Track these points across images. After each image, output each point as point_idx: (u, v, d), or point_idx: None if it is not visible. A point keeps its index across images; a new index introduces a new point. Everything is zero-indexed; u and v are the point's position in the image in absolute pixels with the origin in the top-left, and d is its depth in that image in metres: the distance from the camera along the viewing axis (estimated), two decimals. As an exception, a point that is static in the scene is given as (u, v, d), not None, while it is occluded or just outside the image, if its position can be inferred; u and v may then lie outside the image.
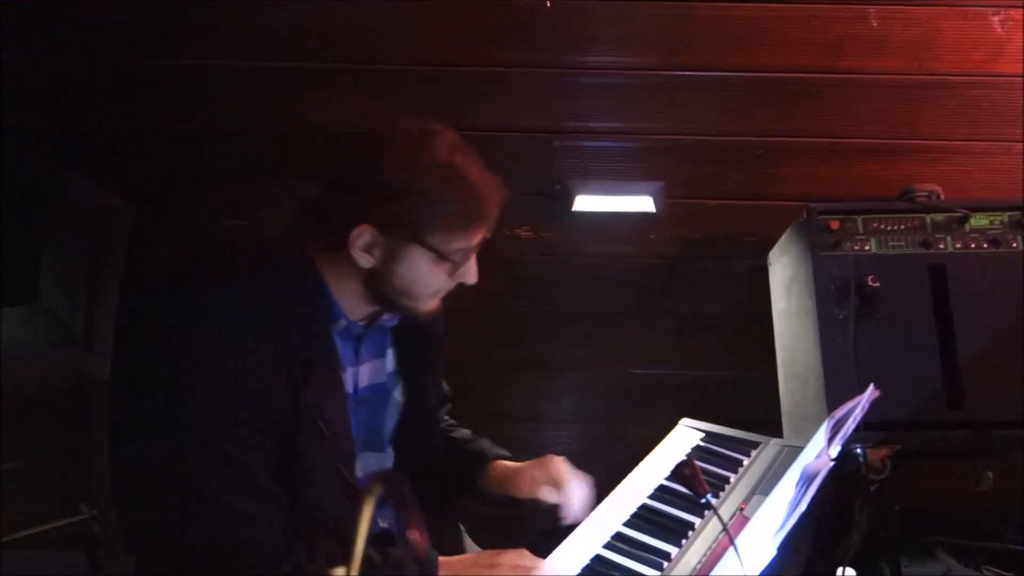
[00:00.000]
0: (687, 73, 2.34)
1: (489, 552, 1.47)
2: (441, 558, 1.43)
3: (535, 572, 1.40)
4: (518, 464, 1.68)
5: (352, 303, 1.45)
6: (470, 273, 1.47)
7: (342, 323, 1.45)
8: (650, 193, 2.41)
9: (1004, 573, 2.34)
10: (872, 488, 1.98)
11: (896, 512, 2.08)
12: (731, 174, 2.42)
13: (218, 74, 2.36)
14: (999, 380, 1.93)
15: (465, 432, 1.82)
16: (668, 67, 2.34)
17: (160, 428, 1.30)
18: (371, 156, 1.36)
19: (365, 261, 1.37)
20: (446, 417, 1.86)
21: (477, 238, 1.42)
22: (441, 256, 1.39)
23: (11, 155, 2.42)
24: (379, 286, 1.41)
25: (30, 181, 2.43)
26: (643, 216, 2.44)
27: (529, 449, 2.61)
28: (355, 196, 1.36)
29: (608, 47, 2.33)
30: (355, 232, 1.34)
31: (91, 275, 2.17)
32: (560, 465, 1.63)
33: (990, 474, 2.21)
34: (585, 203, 2.42)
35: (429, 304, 1.47)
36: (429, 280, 1.42)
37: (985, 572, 2.35)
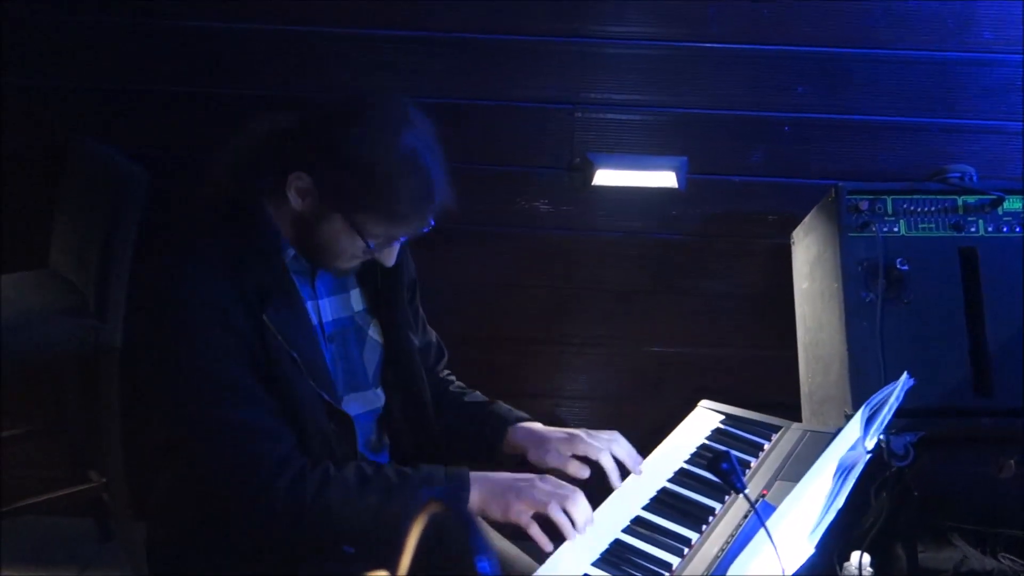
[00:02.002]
0: (714, 45, 2.29)
1: (528, 474, 1.49)
2: (474, 473, 1.46)
3: (575, 496, 1.43)
4: (543, 431, 1.67)
5: (295, 240, 1.50)
6: (387, 257, 1.51)
7: (291, 253, 1.50)
8: (673, 168, 2.36)
9: (1020, 561, 2.31)
10: (891, 473, 1.96)
11: (915, 497, 2.06)
12: (757, 150, 2.37)
13: (235, 38, 2.32)
14: (1029, 368, 1.89)
15: (478, 395, 1.82)
16: (694, 39, 2.29)
17: (157, 368, 1.42)
18: (342, 118, 1.41)
19: (296, 204, 1.43)
20: (451, 378, 1.86)
21: (400, 233, 1.47)
22: (360, 234, 1.43)
23: (24, 118, 2.39)
24: (303, 233, 1.47)
25: (42, 144, 2.40)
26: (665, 192, 2.40)
27: (546, 426, 2.61)
28: (311, 145, 1.41)
29: (633, 17, 2.28)
30: (295, 175, 1.41)
31: (104, 241, 2.14)
32: (588, 444, 1.60)
33: (1012, 462, 2.18)
34: (606, 177, 2.38)
35: (343, 266, 1.52)
36: (344, 247, 1.46)
37: (1002, 559, 2.32)
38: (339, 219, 1.42)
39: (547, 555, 1.47)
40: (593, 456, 1.58)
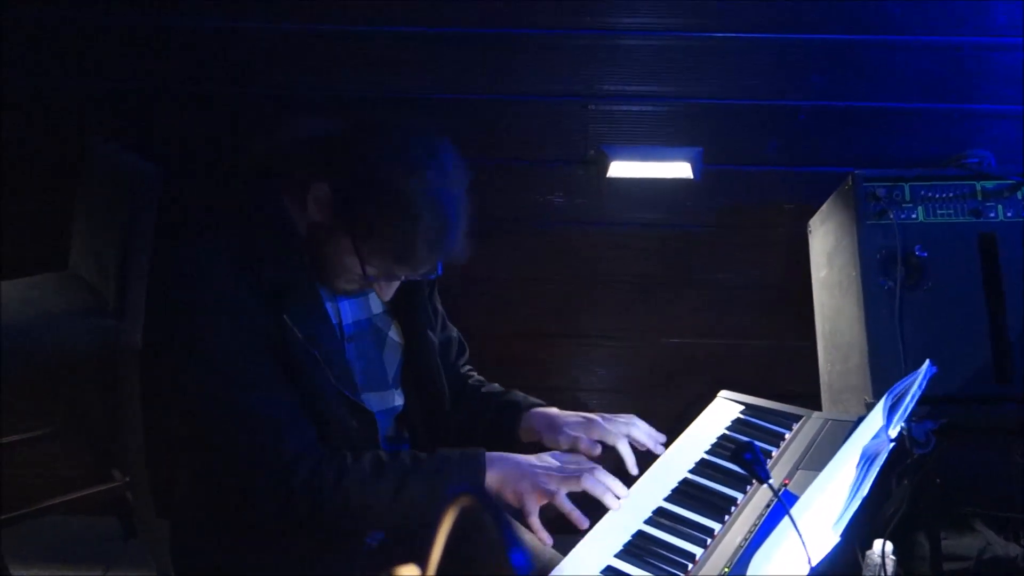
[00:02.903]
0: (727, 35, 2.28)
1: (544, 454, 1.51)
2: (491, 453, 1.48)
3: (598, 468, 1.46)
4: (558, 415, 1.67)
5: None
6: (384, 291, 1.52)
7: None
8: (688, 159, 2.36)
9: (1044, 547, 2.30)
10: (913, 460, 1.95)
11: (937, 485, 2.05)
12: (772, 140, 2.36)
13: (246, 37, 2.32)
14: (1050, 354, 1.88)
15: (495, 386, 1.83)
16: (708, 29, 2.28)
17: (182, 368, 1.44)
18: (369, 140, 1.41)
19: (312, 211, 1.44)
20: (471, 372, 1.87)
21: (402, 273, 1.47)
22: (362, 263, 1.43)
23: (41, 121, 2.41)
24: (310, 241, 1.47)
25: (60, 146, 2.42)
26: (680, 183, 2.39)
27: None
28: (341, 159, 1.41)
29: (644, 8, 2.27)
30: (318, 185, 1.42)
31: (122, 241, 2.15)
32: (604, 429, 1.60)
33: (1034, 448, 2.18)
34: (621, 169, 2.37)
35: (343, 287, 1.52)
36: (345, 268, 1.46)
37: (1025, 545, 2.31)
38: (346, 244, 1.43)
39: (571, 547, 1.47)
40: (610, 441, 1.59)
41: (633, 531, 1.50)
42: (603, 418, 1.63)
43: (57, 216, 2.40)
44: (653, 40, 2.30)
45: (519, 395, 1.77)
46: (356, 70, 2.33)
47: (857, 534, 2.07)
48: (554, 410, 1.70)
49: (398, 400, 1.66)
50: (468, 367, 1.88)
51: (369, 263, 1.43)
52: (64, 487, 2.34)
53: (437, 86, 2.33)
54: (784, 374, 2.46)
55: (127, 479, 2.37)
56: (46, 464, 2.59)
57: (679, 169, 2.37)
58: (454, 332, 1.84)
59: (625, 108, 2.37)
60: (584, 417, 1.64)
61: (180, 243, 1.47)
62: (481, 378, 1.86)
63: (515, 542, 0.62)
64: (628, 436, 1.60)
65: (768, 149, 2.37)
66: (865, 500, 2.12)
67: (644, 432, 1.63)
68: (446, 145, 1.45)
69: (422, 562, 0.67)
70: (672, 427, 1.87)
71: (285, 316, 1.41)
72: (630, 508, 1.56)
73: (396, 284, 1.52)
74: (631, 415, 1.66)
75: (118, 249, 2.16)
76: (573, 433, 1.59)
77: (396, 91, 2.33)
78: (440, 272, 1.50)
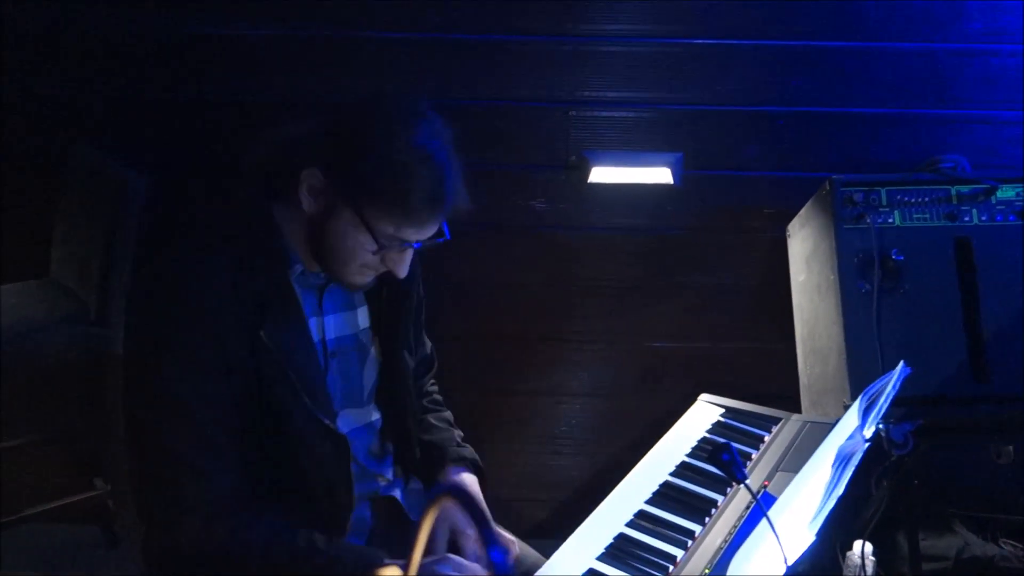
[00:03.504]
0: (706, 41, 2.30)
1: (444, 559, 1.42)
2: (390, 562, 1.38)
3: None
4: (449, 505, 1.55)
5: (305, 252, 1.47)
6: (399, 266, 1.47)
7: (298, 268, 1.47)
8: (668, 164, 2.37)
9: (1021, 546, 2.33)
10: (891, 461, 1.97)
11: (915, 486, 2.07)
12: (750, 145, 2.38)
13: (232, 43, 2.32)
14: (1025, 355, 1.91)
15: (444, 416, 1.80)
16: (687, 35, 2.30)
17: (134, 372, 1.41)
18: (351, 114, 1.40)
19: (307, 204, 1.41)
20: (433, 389, 1.85)
21: (410, 234, 1.42)
22: (370, 230, 1.39)
23: (23, 126, 2.40)
24: (314, 237, 1.44)
25: (41, 154, 2.41)
26: (661, 188, 2.41)
27: (547, 422, 2.62)
28: (323, 140, 1.39)
29: (625, 15, 2.29)
30: (307, 171, 1.39)
31: (104, 248, 2.15)
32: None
33: (1011, 448, 2.20)
34: (602, 174, 2.39)
35: (355, 277, 1.47)
36: (353, 249, 1.42)
37: (1003, 545, 2.34)
38: (349, 214, 1.39)
39: (553, 549, 1.48)
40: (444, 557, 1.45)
41: (615, 534, 1.51)
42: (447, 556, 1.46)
43: (38, 223, 2.39)
44: (633, 47, 2.32)
45: (451, 438, 1.73)
46: (341, 76, 2.33)
47: (837, 535, 2.09)
48: (468, 480, 1.65)
49: (375, 415, 1.65)
50: (432, 383, 1.86)
51: (377, 231, 1.39)
52: (46, 495, 2.33)
53: (420, 91, 2.33)
54: (764, 377, 2.47)
55: (109, 487, 2.37)
56: (28, 473, 2.57)
57: (659, 174, 2.38)
58: (428, 347, 1.83)
59: (606, 114, 2.39)
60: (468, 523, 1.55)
61: (161, 258, 1.43)
62: (438, 397, 1.85)
63: (494, 541, 0.63)
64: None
65: (747, 154, 2.39)
66: (845, 501, 2.14)
67: None
68: (423, 99, 1.43)
69: (403, 563, 0.67)
70: (654, 430, 1.88)
71: (261, 333, 1.37)
72: (612, 511, 1.57)
73: (409, 256, 1.48)
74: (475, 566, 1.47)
75: (101, 256, 2.16)
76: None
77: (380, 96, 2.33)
78: (448, 236, 1.46)
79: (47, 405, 2.56)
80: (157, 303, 1.39)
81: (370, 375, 1.63)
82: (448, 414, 1.82)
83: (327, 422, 1.46)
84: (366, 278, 1.49)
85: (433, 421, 1.77)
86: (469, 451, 1.71)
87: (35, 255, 2.41)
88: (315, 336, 1.50)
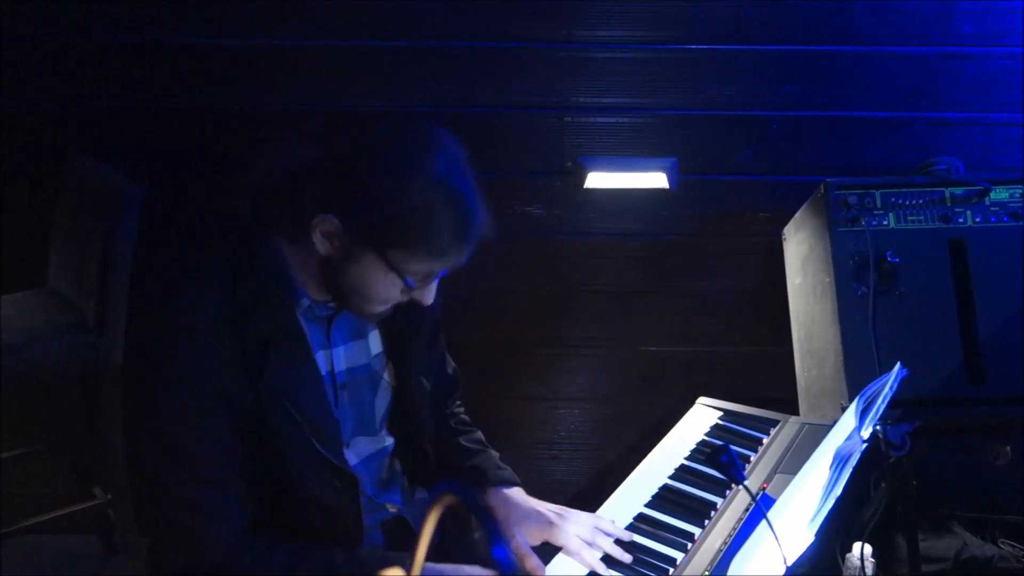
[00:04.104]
0: (700, 47, 2.31)
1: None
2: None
3: None
4: (518, 504, 1.58)
5: (313, 286, 1.41)
6: (425, 296, 1.42)
7: (305, 303, 1.42)
8: (663, 169, 2.38)
9: (1020, 546, 2.34)
10: (889, 463, 1.98)
11: (914, 487, 2.08)
12: (746, 149, 2.39)
13: (226, 53, 2.33)
14: (1020, 355, 1.92)
15: (476, 437, 1.75)
16: (681, 41, 2.31)
17: (131, 414, 1.37)
18: (365, 152, 1.30)
19: (323, 248, 1.33)
20: (460, 410, 1.82)
21: (439, 268, 1.37)
22: (397, 274, 1.33)
23: (20, 137, 2.40)
24: (332, 276, 1.37)
25: (38, 163, 2.41)
26: (656, 193, 2.42)
27: (545, 427, 2.62)
28: (333, 184, 1.31)
29: (619, 21, 2.30)
30: (319, 218, 1.30)
31: (101, 259, 2.15)
32: (565, 536, 1.50)
33: (1008, 449, 2.20)
34: (597, 180, 2.40)
35: (377, 310, 1.42)
36: (379, 289, 1.36)
37: (1001, 545, 2.35)
38: (373, 259, 1.32)
39: (555, 552, 1.49)
40: (568, 551, 1.49)
41: (627, 540, 1.52)
42: (563, 519, 1.52)
43: (35, 233, 2.39)
44: (628, 53, 2.33)
45: (491, 461, 1.68)
46: (333, 83, 2.34)
47: (837, 537, 2.10)
48: (516, 496, 1.60)
49: (388, 441, 1.62)
50: (458, 404, 1.82)
51: (406, 271, 1.33)
52: (46, 505, 2.33)
53: (417, 100, 2.34)
54: (762, 380, 2.48)
55: (109, 496, 2.37)
56: (27, 483, 2.57)
57: (655, 179, 2.39)
58: (450, 368, 1.78)
59: (602, 120, 2.40)
60: (544, 518, 1.54)
61: (161, 296, 1.37)
62: (465, 418, 1.80)
63: (498, 537, 0.64)
64: (592, 543, 1.50)
65: (742, 158, 2.40)
66: (844, 503, 2.15)
67: (608, 539, 1.51)
68: (429, 123, 1.35)
69: (407, 564, 0.68)
70: (652, 434, 1.89)
71: (265, 375, 1.32)
72: (611, 515, 1.58)
73: (435, 285, 1.43)
74: (596, 516, 1.56)
75: (98, 265, 2.16)
76: (524, 548, 1.49)
77: (377, 105, 2.34)
78: (464, 262, 1.38)
79: (46, 415, 2.57)
80: (156, 344, 1.33)
81: (382, 402, 1.59)
82: (479, 434, 1.76)
83: (335, 462, 1.41)
84: (388, 308, 1.43)
85: (466, 444, 1.72)
86: (509, 473, 1.66)
87: (32, 265, 2.41)
88: (323, 369, 1.46)
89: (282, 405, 1.34)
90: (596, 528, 1.52)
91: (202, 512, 1.33)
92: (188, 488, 1.32)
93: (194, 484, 1.32)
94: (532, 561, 1.47)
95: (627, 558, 1.48)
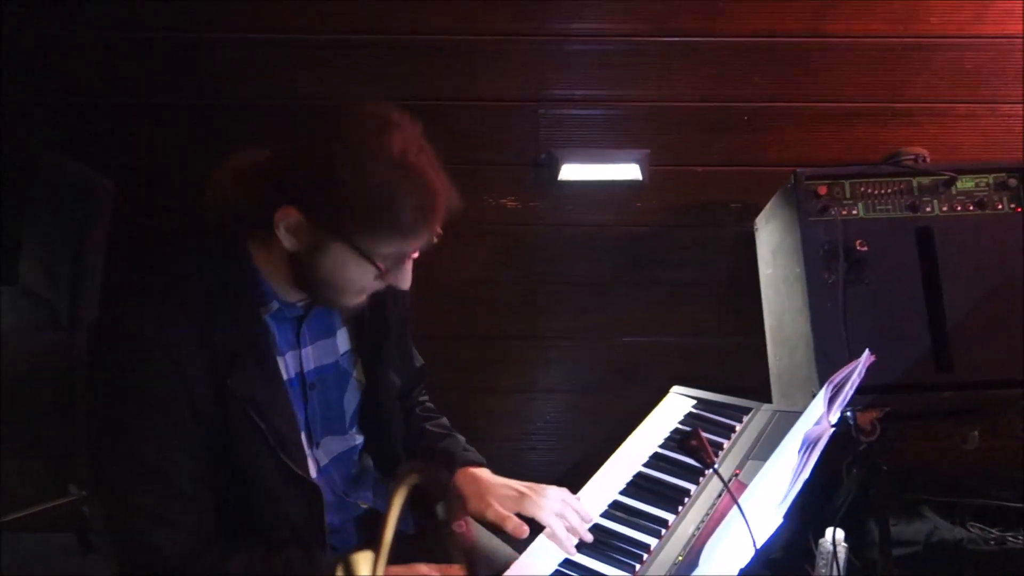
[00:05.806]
0: (672, 39, 2.33)
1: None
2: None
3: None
4: (488, 482, 1.58)
5: (284, 285, 1.39)
6: (402, 279, 1.38)
7: (274, 305, 1.40)
8: (636, 161, 2.40)
9: (988, 528, 2.38)
10: (860, 449, 2.01)
11: (884, 472, 2.11)
12: (717, 141, 2.41)
13: (198, 48, 2.32)
14: (986, 342, 1.94)
15: (442, 423, 1.76)
16: (653, 34, 2.32)
17: (94, 425, 1.34)
18: (320, 139, 1.28)
19: (289, 243, 1.30)
20: (425, 399, 1.82)
21: (409, 248, 1.34)
22: (367, 259, 1.31)
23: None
24: (302, 272, 1.34)
25: (9, 160, 2.39)
26: (629, 184, 2.43)
27: (521, 419, 2.64)
28: (291, 176, 1.28)
29: (592, 14, 2.31)
30: (280, 212, 1.28)
31: (74, 256, 2.14)
32: (537, 507, 1.51)
33: (976, 433, 2.25)
34: (571, 172, 2.41)
35: (353, 300, 1.40)
36: (352, 278, 1.34)
37: (970, 528, 2.39)
38: (340, 248, 1.29)
39: (528, 542, 1.50)
40: (542, 520, 1.50)
41: (590, 524, 1.54)
42: (534, 492, 1.53)
43: (7, 230, 2.37)
44: (600, 45, 2.34)
45: (457, 444, 1.69)
46: (306, 78, 2.34)
47: (809, 523, 2.13)
48: (484, 474, 1.61)
49: (358, 439, 1.61)
50: (423, 394, 1.83)
51: (376, 256, 1.31)
52: (20, 502, 2.32)
53: (389, 92, 2.34)
54: (735, 368, 2.51)
55: (84, 493, 2.36)
56: (2, 480, 2.55)
57: (628, 171, 2.41)
58: (418, 363, 1.76)
59: (575, 112, 2.41)
60: (515, 490, 1.55)
61: (129, 291, 1.37)
62: (431, 406, 1.81)
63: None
64: (562, 516, 1.50)
65: (714, 150, 2.42)
66: (816, 490, 2.18)
67: (576, 515, 1.53)
68: (384, 105, 1.33)
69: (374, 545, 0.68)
70: (627, 423, 1.91)
71: (229, 382, 1.31)
72: (587, 503, 1.60)
73: (410, 265, 1.38)
74: (562, 489, 1.57)
75: (71, 263, 2.15)
76: (502, 511, 1.50)
77: (349, 98, 2.34)
78: (435, 240, 1.36)
79: (20, 412, 2.54)
80: (124, 363, 1.30)
81: (352, 400, 1.58)
82: (444, 420, 1.77)
83: (298, 471, 1.40)
84: (363, 298, 1.42)
85: (433, 429, 1.72)
86: (475, 454, 1.66)
87: (4, 262, 2.39)
88: (293, 370, 1.45)
89: (246, 412, 1.33)
90: (565, 501, 1.53)
91: (162, 521, 1.32)
92: (150, 500, 1.31)
93: (160, 498, 1.31)
94: (512, 522, 1.48)
95: (589, 537, 1.50)
